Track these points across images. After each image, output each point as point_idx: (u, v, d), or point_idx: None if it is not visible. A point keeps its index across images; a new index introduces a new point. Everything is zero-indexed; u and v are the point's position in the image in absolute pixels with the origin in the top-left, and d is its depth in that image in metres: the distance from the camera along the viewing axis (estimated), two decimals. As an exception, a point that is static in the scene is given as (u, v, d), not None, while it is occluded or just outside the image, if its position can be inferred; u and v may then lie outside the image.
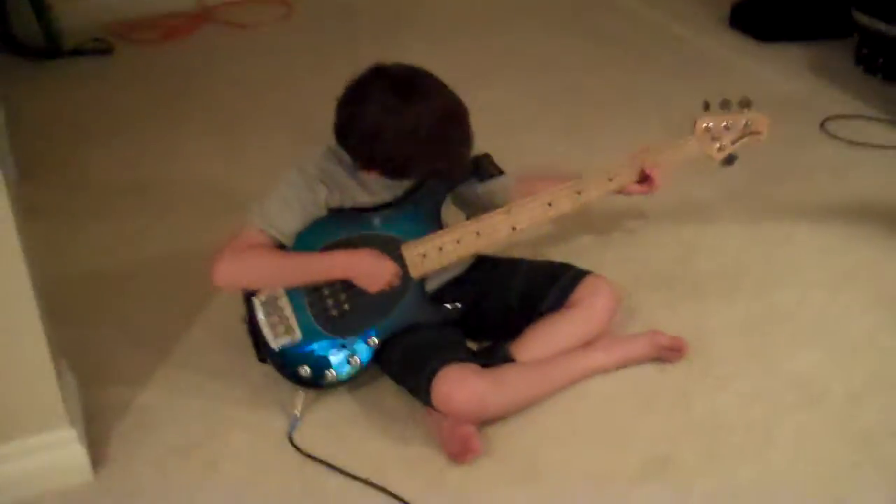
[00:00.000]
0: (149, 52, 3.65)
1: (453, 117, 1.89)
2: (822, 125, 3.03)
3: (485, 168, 2.09)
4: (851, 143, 2.94)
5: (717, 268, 2.39)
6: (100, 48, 3.60)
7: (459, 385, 1.84)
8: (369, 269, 1.92)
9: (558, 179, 2.10)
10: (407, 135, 1.83)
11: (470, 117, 1.91)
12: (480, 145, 2.08)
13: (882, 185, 2.73)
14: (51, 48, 3.52)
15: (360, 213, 1.96)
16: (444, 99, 1.88)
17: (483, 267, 2.14)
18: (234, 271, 1.87)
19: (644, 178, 2.16)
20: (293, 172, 1.93)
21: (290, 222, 1.89)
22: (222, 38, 3.79)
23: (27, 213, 1.78)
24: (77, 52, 3.56)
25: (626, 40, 3.72)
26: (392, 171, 1.91)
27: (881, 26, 3.25)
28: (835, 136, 2.97)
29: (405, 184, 1.99)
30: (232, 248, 1.87)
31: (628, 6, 4.05)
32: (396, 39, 3.70)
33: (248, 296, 1.91)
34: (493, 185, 2.09)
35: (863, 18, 3.31)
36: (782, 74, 3.39)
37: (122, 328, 2.21)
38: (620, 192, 2.17)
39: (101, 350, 2.14)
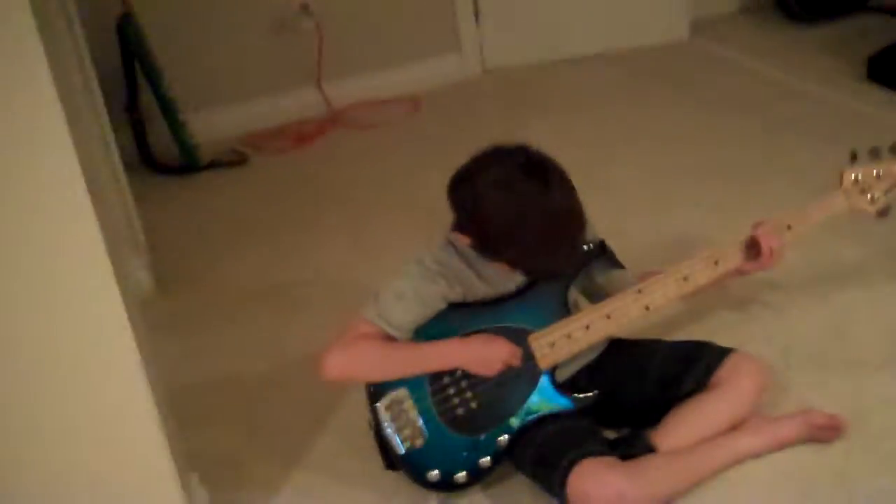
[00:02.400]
0: (281, 160, 3.72)
1: (567, 220, 1.82)
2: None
3: (612, 254, 2.01)
4: None
5: (873, 336, 2.22)
6: (235, 160, 3.68)
7: (596, 482, 1.73)
8: (481, 353, 1.85)
9: None
10: (510, 211, 1.77)
11: (583, 232, 1.86)
12: (605, 225, 2.01)
13: None
14: (188, 163, 3.62)
15: (484, 306, 1.91)
16: (565, 197, 1.81)
17: (617, 351, 2.04)
18: (342, 363, 1.83)
19: (757, 253, 2.02)
20: (411, 265, 1.89)
21: (402, 315, 1.84)
22: (352, 139, 3.84)
23: (164, 324, 1.79)
24: (213, 165, 3.64)
25: (758, 105, 3.58)
26: (482, 243, 1.84)
27: None
28: None
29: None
30: (341, 341, 1.84)
31: (752, 67, 3.91)
32: (522, 122, 3.66)
33: (372, 402, 1.87)
34: (616, 276, 2.02)
35: None
36: (930, 126, 3.19)
37: (254, 433, 2.21)
38: (738, 274, 2.04)
39: (234, 456, 2.13)
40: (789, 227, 2.06)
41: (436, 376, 1.87)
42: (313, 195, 3.40)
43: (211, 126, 3.76)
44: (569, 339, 1.91)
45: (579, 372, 1.99)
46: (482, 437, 1.87)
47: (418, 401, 1.86)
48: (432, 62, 4.18)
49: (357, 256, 2.93)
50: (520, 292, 1.92)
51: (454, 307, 1.89)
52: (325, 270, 2.89)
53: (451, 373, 1.87)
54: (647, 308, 1.95)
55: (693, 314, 2.35)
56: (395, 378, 1.86)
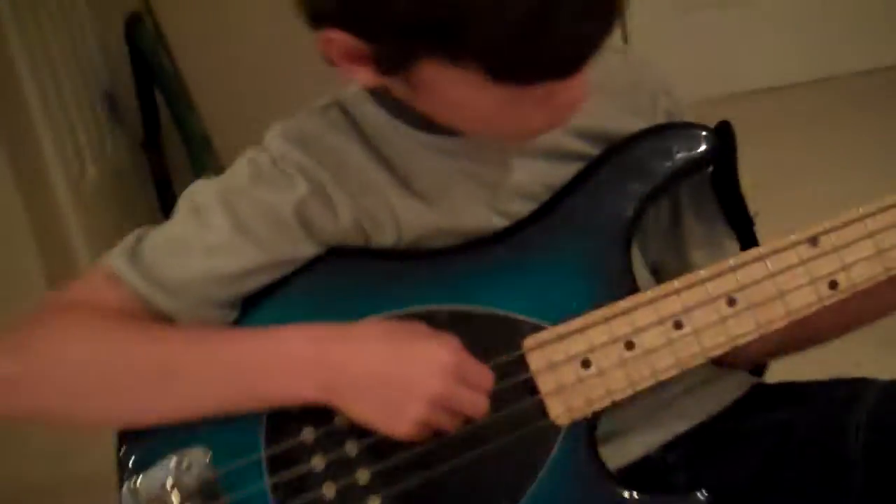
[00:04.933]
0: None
1: None
2: None
3: (734, 183, 0.85)
4: None
5: None
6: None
7: None
8: (387, 369, 0.72)
9: None
10: None
11: None
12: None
13: None
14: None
15: (414, 259, 0.79)
16: None
17: (761, 404, 0.88)
18: (25, 367, 0.74)
19: None
20: (238, 165, 0.80)
21: (196, 266, 0.76)
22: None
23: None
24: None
25: None
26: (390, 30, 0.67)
27: None
28: None
29: (529, 182, 0.81)
30: (39, 317, 0.76)
31: None
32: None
33: (123, 478, 0.77)
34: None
35: None
36: None
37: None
38: None
39: None
40: None
41: (280, 424, 0.75)
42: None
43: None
44: (630, 353, 0.76)
45: (666, 447, 0.83)
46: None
47: (237, 482, 0.75)
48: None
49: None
50: (519, 229, 0.80)
51: (339, 257, 0.78)
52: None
53: (321, 418, 0.75)
54: (835, 285, 0.77)
55: None
56: (158, 419, 0.75)
